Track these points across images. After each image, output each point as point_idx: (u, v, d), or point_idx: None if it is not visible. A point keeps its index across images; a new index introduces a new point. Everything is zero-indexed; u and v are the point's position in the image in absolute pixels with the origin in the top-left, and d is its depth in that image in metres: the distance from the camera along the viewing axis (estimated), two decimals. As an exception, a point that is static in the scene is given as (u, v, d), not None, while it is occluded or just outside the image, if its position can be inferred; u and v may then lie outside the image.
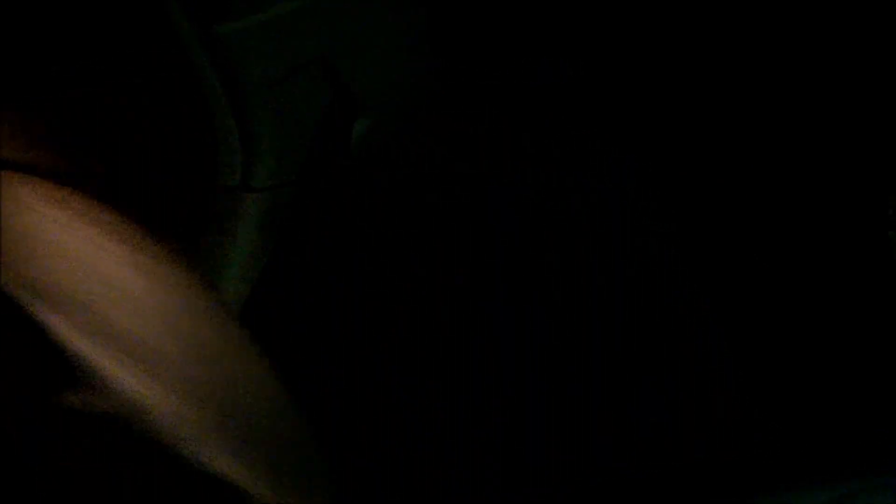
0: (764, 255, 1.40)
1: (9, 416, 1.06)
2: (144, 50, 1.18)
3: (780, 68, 1.36)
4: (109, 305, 0.92)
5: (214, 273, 1.14)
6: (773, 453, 1.36)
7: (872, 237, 1.38)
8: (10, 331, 0.96)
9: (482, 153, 1.35)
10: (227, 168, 1.13)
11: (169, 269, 0.94)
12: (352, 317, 1.35)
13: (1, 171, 0.94)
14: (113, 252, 0.93)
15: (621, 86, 1.36)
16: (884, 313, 1.38)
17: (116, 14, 1.16)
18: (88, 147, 1.12)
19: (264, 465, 0.95)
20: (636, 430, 1.38)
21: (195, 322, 0.94)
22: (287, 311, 1.28)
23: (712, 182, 1.39)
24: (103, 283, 0.93)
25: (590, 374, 1.39)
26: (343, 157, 1.16)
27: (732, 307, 1.40)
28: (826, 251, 1.39)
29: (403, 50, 1.15)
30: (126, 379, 0.92)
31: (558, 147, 1.38)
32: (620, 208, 1.40)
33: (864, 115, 1.38)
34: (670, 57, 1.35)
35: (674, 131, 1.38)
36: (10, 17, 1.20)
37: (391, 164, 1.27)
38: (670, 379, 1.39)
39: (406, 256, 1.37)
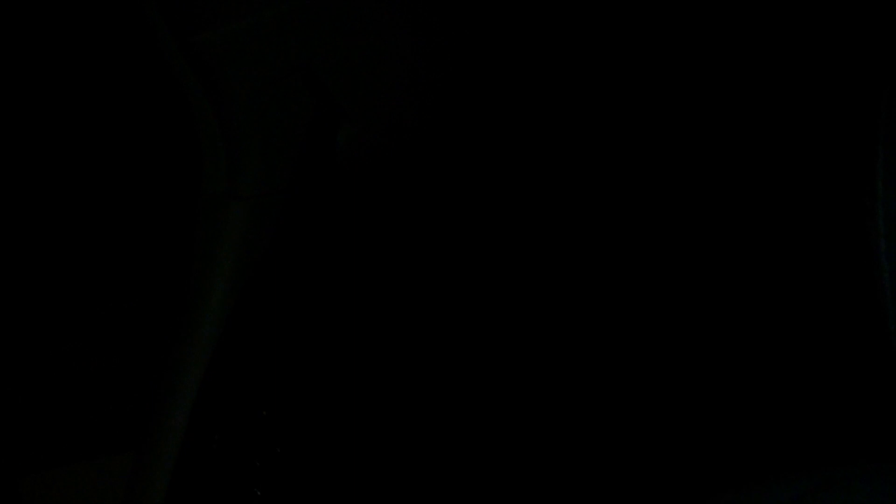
0: (762, 255, 1.40)
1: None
2: (129, 58, 1.18)
3: (779, 70, 1.36)
4: None
5: (201, 280, 1.13)
6: (773, 453, 1.36)
7: (871, 238, 1.38)
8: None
9: (482, 153, 1.35)
10: (212, 176, 1.12)
11: None
12: (352, 317, 1.35)
13: None
14: None
15: (621, 86, 1.36)
16: (881, 313, 1.38)
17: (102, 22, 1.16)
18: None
19: None
20: (636, 430, 1.38)
21: None
22: (287, 311, 1.28)
23: (712, 182, 1.39)
24: None
25: (590, 374, 1.39)
26: (328, 165, 1.15)
27: (732, 307, 1.40)
28: (826, 252, 1.39)
29: (387, 58, 1.14)
30: None
31: (559, 147, 1.38)
32: (620, 208, 1.40)
33: (862, 116, 1.37)
34: (669, 57, 1.35)
35: (673, 131, 1.38)
36: (11, 17, 1.21)
37: (390, 164, 1.27)
38: (670, 379, 1.39)
39: (406, 256, 1.37)
